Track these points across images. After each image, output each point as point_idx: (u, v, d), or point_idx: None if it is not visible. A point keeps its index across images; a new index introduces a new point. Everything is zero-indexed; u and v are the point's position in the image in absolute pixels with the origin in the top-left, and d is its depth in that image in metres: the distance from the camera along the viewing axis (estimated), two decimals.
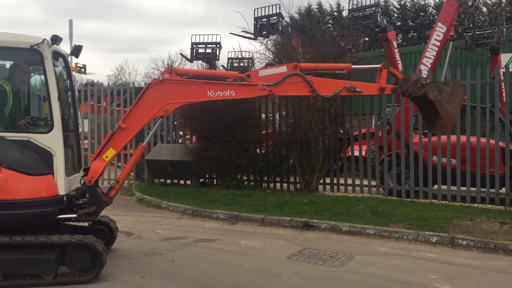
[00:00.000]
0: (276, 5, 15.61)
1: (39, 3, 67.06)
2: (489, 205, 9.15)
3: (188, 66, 20.18)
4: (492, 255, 6.55)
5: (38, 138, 5.39)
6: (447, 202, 9.42)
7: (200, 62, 17.14)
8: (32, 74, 5.94)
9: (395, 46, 14.39)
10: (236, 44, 72.52)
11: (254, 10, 15.98)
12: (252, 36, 15.80)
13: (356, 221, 7.98)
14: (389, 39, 14.01)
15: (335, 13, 35.38)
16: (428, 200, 9.67)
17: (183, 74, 5.75)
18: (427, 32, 14.73)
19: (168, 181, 12.26)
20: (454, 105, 5.39)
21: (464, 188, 9.54)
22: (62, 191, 5.45)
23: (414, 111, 10.25)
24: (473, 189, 9.47)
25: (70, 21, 21.14)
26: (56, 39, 5.48)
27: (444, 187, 9.76)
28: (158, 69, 34.95)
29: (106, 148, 5.62)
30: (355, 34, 11.97)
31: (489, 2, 13.01)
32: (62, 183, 5.44)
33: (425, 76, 10.01)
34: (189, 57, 17.60)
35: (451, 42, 13.11)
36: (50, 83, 5.40)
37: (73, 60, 16.25)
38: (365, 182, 10.67)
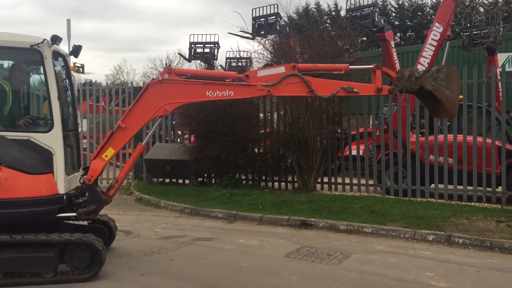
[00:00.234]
0: (274, 5, 15.69)
1: (36, 2, 67.06)
2: (486, 204, 9.22)
3: (186, 65, 20.24)
4: (488, 253, 6.61)
5: (38, 137, 5.43)
6: (444, 201, 9.49)
7: (198, 61, 17.19)
8: (31, 73, 5.98)
9: (393, 45, 14.46)
10: (235, 43, 72.62)
11: (252, 10, 16.07)
12: (250, 36, 15.86)
13: (354, 220, 8.03)
14: (386, 38, 14.07)
15: (333, 13, 35.46)
16: (425, 199, 9.74)
17: (182, 74, 5.79)
18: (424, 32, 14.78)
19: (167, 180, 12.31)
20: (453, 89, 5.43)
21: (461, 187, 9.61)
22: (62, 190, 5.48)
23: (412, 111, 10.33)
24: (470, 188, 9.53)
25: (68, 21, 21.09)
26: (56, 39, 5.52)
27: (441, 186, 9.83)
28: (157, 69, 35.07)
29: (105, 148, 5.66)
30: (353, 34, 12.02)
31: (486, 2, 13.09)
32: (62, 182, 5.48)
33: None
34: (187, 56, 17.65)
35: (448, 42, 13.18)
36: (50, 83, 5.43)
37: (72, 60, 16.26)
38: (363, 181, 10.74)
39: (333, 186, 11.01)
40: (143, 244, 6.99)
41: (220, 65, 17.00)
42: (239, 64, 16.75)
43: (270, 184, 11.52)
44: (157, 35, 63.49)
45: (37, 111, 6.10)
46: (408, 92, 5.61)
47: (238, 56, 17.01)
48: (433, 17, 13.22)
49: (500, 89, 11.38)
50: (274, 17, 15.65)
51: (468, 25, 15.15)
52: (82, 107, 13.24)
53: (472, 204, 9.23)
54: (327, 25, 26.29)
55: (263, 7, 15.85)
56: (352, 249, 6.77)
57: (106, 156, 5.66)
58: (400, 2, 34.99)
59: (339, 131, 11.24)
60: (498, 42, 14.56)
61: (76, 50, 5.90)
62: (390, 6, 35.23)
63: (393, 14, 35.15)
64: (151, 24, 64.22)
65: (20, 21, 59.69)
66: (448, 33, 12.62)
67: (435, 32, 12.06)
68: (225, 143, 10.82)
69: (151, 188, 11.50)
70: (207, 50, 17.17)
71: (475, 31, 14.68)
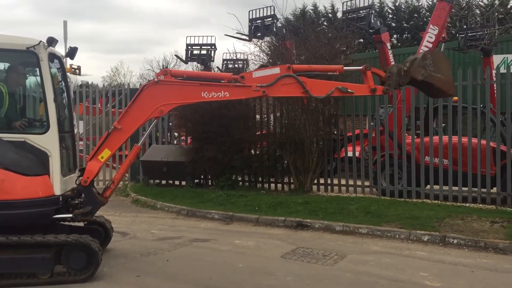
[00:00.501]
0: (270, 7, 15.74)
1: (31, 3, 66.96)
2: (480, 205, 9.27)
3: (183, 67, 20.22)
4: (482, 253, 6.66)
5: (34, 139, 5.45)
6: (439, 202, 9.54)
7: (195, 63, 17.19)
8: (28, 75, 5.99)
9: (389, 47, 14.51)
10: (231, 45, 72.53)
11: (249, 11, 16.09)
12: (247, 38, 15.90)
13: (349, 221, 8.07)
14: (382, 40, 14.13)
15: (330, 15, 35.55)
16: (420, 200, 9.78)
17: (178, 75, 5.82)
18: (420, 34, 14.86)
19: (163, 181, 12.33)
20: (444, 71, 5.53)
21: (456, 188, 9.66)
22: (58, 191, 5.50)
23: (407, 112, 10.37)
24: (465, 189, 9.58)
25: (65, 23, 21.11)
26: (52, 41, 5.53)
27: (436, 187, 9.88)
28: (153, 70, 35.00)
29: (101, 149, 5.68)
30: (349, 36, 12.07)
31: (482, 4, 13.17)
32: (58, 183, 5.50)
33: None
34: (184, 58, 17.66)
35: (443, 44, 13.24)
36: (46, 85, 5.45)
37: (68, 62, 16.27)
38: (359, 183, 10.78)
39: (329, 187, 11.05)
40: (139, 245, 7.01)
41: (217, 67, 17.03)
42: (236, 65, 16.78)
43: (266, 185, 11.54)
44: (153, 36, 63.51)
45: (33, 113, 6.12)
46: (401, 86, 5.71)
47: (235, 58, 17.05)
48: (429, 19, 13.27)
49: (495, 91, 11.45)
50: (270, 19, 15.68)
51: (465, 26, 15.23)
52: (78, 109, 13.25)
53: (467, 205, 9.29)
54: (324, 26, 26.39)
55: (259, 9, 15.89)
56: (347, 249, 6.80)
57: (102, 157, 5.68)
58: (397, 4, 35.13)
59: (335, 132, 11.28)
60: (493, 44, 14.66)
61: (72, 52, 5.92)
62: (387, 8, 35.36)
63: (390, 16, 35.27)
64: (146, 25, 64.26)
65: (15, 22, 59.61)
66: (443, 35, 12.68)
67: (430, 34, 12.11)
68: (221, 144, 10.84)
69: (147, 190, 11.51)
70: (203, 51, 17.17)
71: (470, 33, 14.76)
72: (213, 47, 17.21)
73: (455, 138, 9.75)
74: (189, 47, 17.20)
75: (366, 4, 14.18)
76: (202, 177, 12.02)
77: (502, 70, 10.08)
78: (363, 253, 6.64)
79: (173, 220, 9.02)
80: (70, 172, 6.05)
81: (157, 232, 7.96)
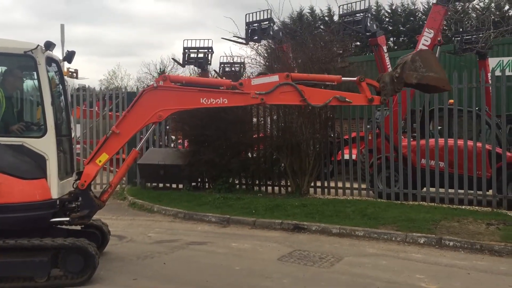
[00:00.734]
0: (267, 10, 15.79)
1: (28, 7, 66.89)
2: (476, 207, 9.30)
3: (180, 70, 20.28)
4: (478, 255, 6.69)
5: (31, 143, 5.46)
6: (435, 204, 9.58)
7: (192, 66, 17.24)
8: (25, 79, 6.01)
9: (385, 50, 14.57)
10: (228, 49, 72.73)
11: (246, 15, 16.15)
12: (244, 41, 15.94)
13: (346, 223, 8.09)
14: (379, 43, 14.20)
15: (326, 18, 35.68)
16: (416, 202, 9.80)
17: (177, 81, 5.87)
18: (416, 37, 14.92)
19: (160, 185, 12.33)
20: (435, 69, 5.63)
21: (452, 191, 9.70)
22: (55, 194, 5.51)
23: (403, 115, 10.42)
24: (461, 191, 9.62)
25: (62, 26, 21.15)
26: (49, 45, 5.55)
27: (432, 189, 9.92)
28: (151, 74, 35.04)
29: (99, 153, 5.71)
30: (346, 39, 12.13)
31: (478, 7, 13.25)
32: (55, 187, 5.51)
33: None
34: (181, 62, 17.69)
35: (438, 47, 13.31)
36: (43, 89, 5.47)
37: (65, 65, 16.29)
38: (355, 185, 10.81)
39: (326, 190, 11.07)
40: (136, 248, 7.02)
41: (214, 70, 17.08)
42: (233, 69, 16.82)
43: (263, 188, 11.56)
44: (149, 40, 63.54)
45: (31, 116, 6.13)
46: (397, 92, 5.82)
47: (231, 61, 17.08)
48: (425, 22, 13.35)
49: (490, 93, 11.50)
50: (267, 22, 15.74)
51: (461, 29, 15.32)
52: (76, 112, 13.25)
53: (463, 207, 9.32)
54: (321, 30, 26.46)
55: (256, 12, 15.95)
56: (344, 252, 6.83)
57: (99, 161, 5.70)
58: (393, 7, 35.29)
59: (331, 135, 11.32)
60: (488, 47, 14.75)
61: (69, 56, 5.93)
62: (384, 11, 35.53)
63: (387, 19, 35.43)
64: (143, 28, 64.21)
65: (11, 26, 59.61)
66: (438, 38, 12.74)
67: (426, 37, 12.17)
68: (218, 147, 10.87)
69: (144, 193, 11.51)
70: (200, 55, 17.21)
71: (466, 36, 14.84)
72: (210, 50, 17.25)
73: (451, 141, 9.80)
74: (186, 51, 17.24)
75: (362, 8, 14.27)
76: (199, 180, 12.04)
77: (498, 73, 10.13)
78: (360, 256, 6.67)
79: (170, 223, 9.04)
80: (68, 176, 6.06)
81: (154, 235, 7.97)
